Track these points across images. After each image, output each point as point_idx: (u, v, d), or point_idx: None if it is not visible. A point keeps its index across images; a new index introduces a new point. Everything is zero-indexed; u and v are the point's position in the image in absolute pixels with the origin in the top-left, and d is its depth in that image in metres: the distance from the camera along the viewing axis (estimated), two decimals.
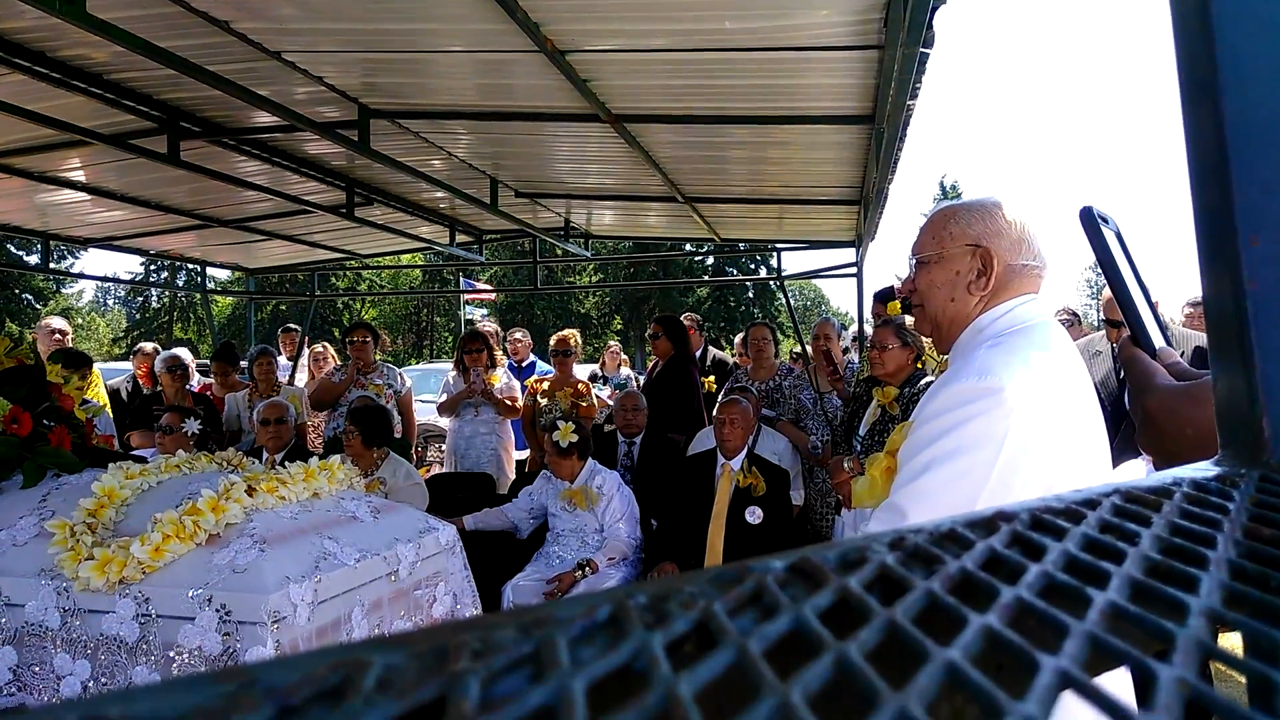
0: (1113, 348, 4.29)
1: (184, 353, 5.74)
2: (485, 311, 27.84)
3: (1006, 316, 1.29)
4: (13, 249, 26.36)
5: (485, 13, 2.88)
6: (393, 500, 3.74)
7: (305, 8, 2.97)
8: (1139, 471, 3.32)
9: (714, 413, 4.23)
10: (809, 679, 0.21)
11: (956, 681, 0.21)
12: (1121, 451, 3.64)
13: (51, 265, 6.78)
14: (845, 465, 3.06)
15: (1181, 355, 0.85)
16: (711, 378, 6.00)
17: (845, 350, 5.37)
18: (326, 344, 7.35)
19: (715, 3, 2.79)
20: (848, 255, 7.02)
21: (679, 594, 0.27)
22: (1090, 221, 0.85)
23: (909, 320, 3.59)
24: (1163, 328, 0.87)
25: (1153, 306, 0.89)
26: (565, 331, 5.72)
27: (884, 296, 4.66)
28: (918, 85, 2.64)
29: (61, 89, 3.52)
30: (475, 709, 0.20)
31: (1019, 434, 1.13)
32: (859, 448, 3.47)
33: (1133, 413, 0.77)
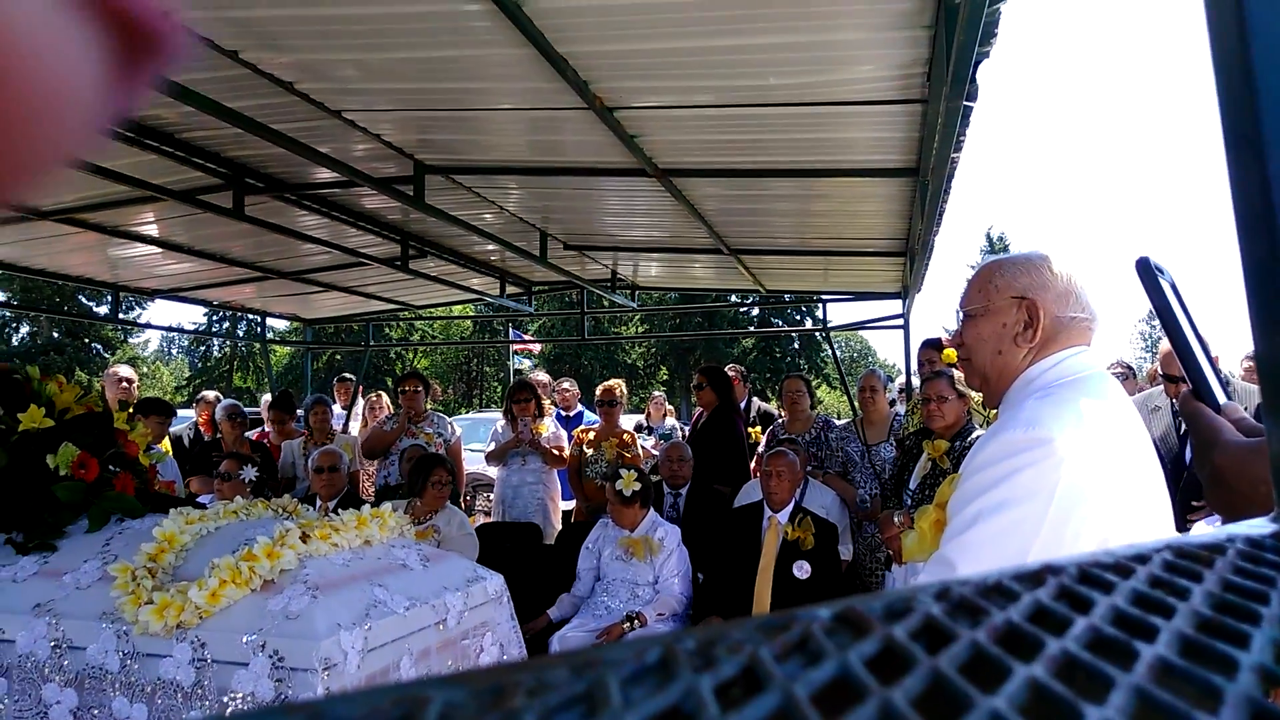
0: (1172, 403, 4.17)
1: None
2: (533, 363, 28.11)
3: (1056, 369, 1.28)
4: (84, 300, 27.50)
5: (536, 71, 2.98)
6: (445, 549, 3.76)
7: (365, 69, 3.10)
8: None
9: (761, 464, 4.20)
10: None
11: None
12: (1182, 509, 3.51)
13: (120, 315, 7.05)
14: (895, 519, 3.01)
15: (1245, 410, 0.83)
16: (758, 428, 5.96)
17: (892, 402, 5.29)
18: (382, 393, 7.48)
19: (759, 60, 2.84)
20: (894, 307, 6.98)
21: (726, 639, 0.28)
22: (1147, 272, 0.84)
23: (958, 374, 3.54)
24: (1223, 383, 0.86)
25: (1212, 361, 0.87)
26: (611, 381, 5.75)
27: (934, 344, 4.61)
28: (961, 138, 2.65)
29: (135, 147, 3.70)
30: None
31: (1070, 485, 1.11)
32: (909, 501, 3.41)
33: (1199, 470, 0.75)
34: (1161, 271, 0.87)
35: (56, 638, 2.16)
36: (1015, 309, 1.31)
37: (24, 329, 32.55)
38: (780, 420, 5.41)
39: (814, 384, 5.49)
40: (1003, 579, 0.35)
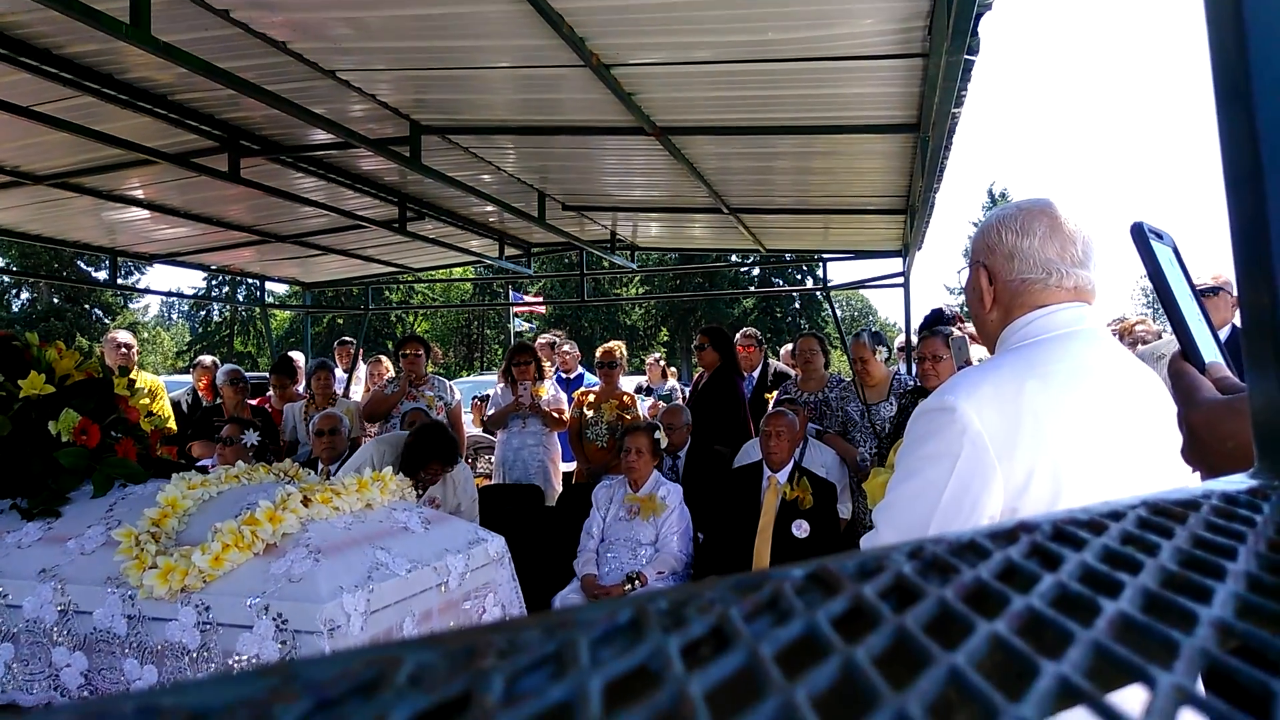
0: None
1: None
2: (534, 325, 28.07)
3: (1022, 330, 1.26)
4: (82, 265, 27.43)
5: (532, 29, 2.93)
6: (448, 501, 3.77)
7: (359, 27, 3.06)
8: None
9: (761, 425, 4.21)
10: (815, 680, 0.22)
11: (958, 685, 0.22)
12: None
13: (119, 281, 7.04)
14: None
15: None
16: (774, 393, 5.92)
17: (887, 360, 5.26)
18: (383, 356, 7.49)
19: (758, 15, 2.80)
20: (894, 265, 6.95)
21: (698, 599, 0.28)
22: (1140, 237, 0.84)
23: (956, 332, 3.54)
24: (1224, 346, 0.86)
25: (1212, 326, 0.87)
26: (610, 344, 5.75)
27: (931, 321, 4.58)
28: (963, 93, 2.61)
29: (128, 110, 3.66)
30: (498, 704, 0.21)
31: (973, 454, 1.10)
32: None
33: (1179, 427, 0.75)
34: (1160, 235, 0.86)
35: (63, 603, 2.19)
36: (976, 273, 1.31)
37: (23, 295, 32.51)
38: (793, 379, 5.39)
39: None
40: (977, 537, 0.35)
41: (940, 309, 4.62)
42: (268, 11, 2.92)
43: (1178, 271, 0.87)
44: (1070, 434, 1.12)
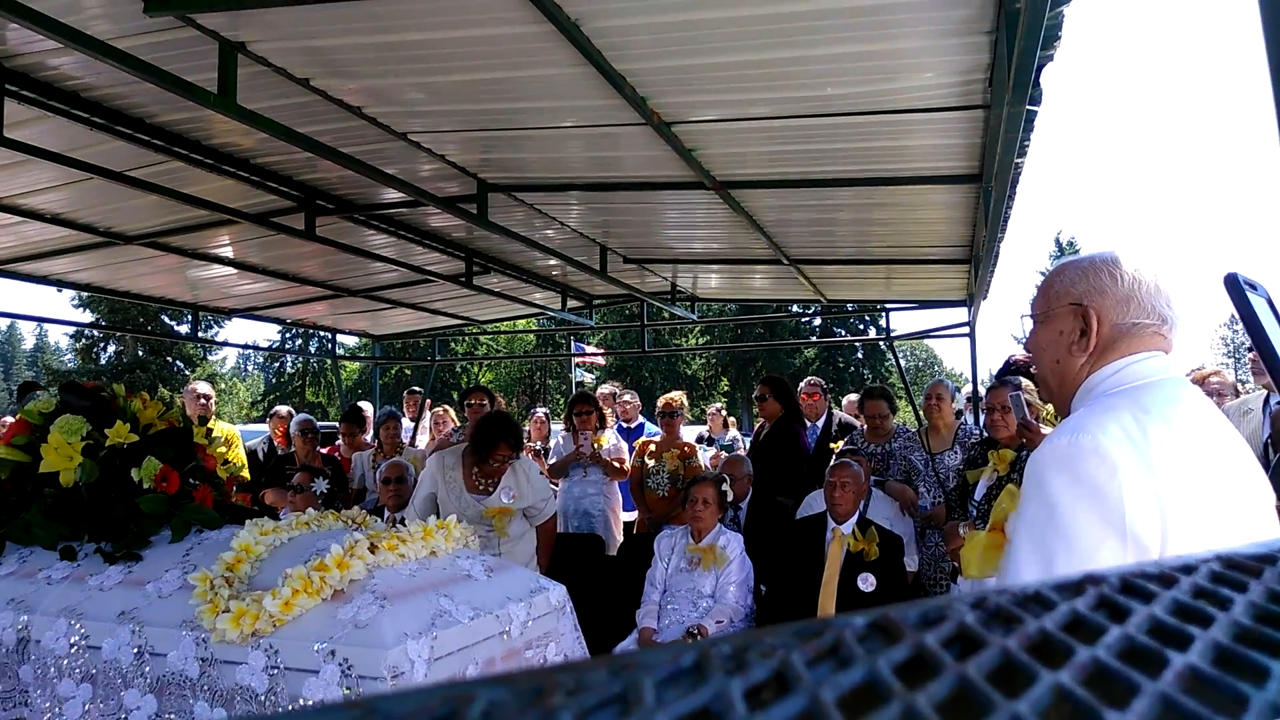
0: (1265, 406, 4.00)
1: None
2: (595, 376, 28.25)
3: (1116, 376, 1.23)
4: (165, 319, 28.72)
5: (595, 90, 3.02)
6: (518, 505, 3.79)
7: (430, 91, 3.19)
8: None
9: (825, 475, 4.15)
10: None
11: None
12: None
13: (199, 334, 7.36)
14: (961, 532, 2.95)
15: None
16: (840, 443, 5.82)
17: (959, 413, 5.16)
18: (447, 406, 7.63)
19: (816, 71, 2.83)
20: (959, 315, 6.84)
21: (760, 644, 0.29)
22: (1235, 288, 0.83)
23: (1027, 383, 3.46)
24: None
25: None
26: (671, 394, 5.76)
27: (1006, 370, 4.50)
28: (1026, 143, 2.60)
29: (212, 173, 3.87)
30: None
31: (1119, 491, 1.07)
32: (974, 513, 3.34)
33: (1272, 476, 0.73)
34: (1255, 287, 0.85)
35: (139, 644, 2.26)
36: (1071, 316, 1.27)
37: (111, 348, 34.11)
38: (859, 429, 5.31)
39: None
40: (1041, 588, 0.35)
41: (1017, 360, 4.53)
42: (344, 79, 3.08)
43: (1273, 321, 0.85)
44: (1188, 477, 1.11)
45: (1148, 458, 1.09)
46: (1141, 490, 1.07)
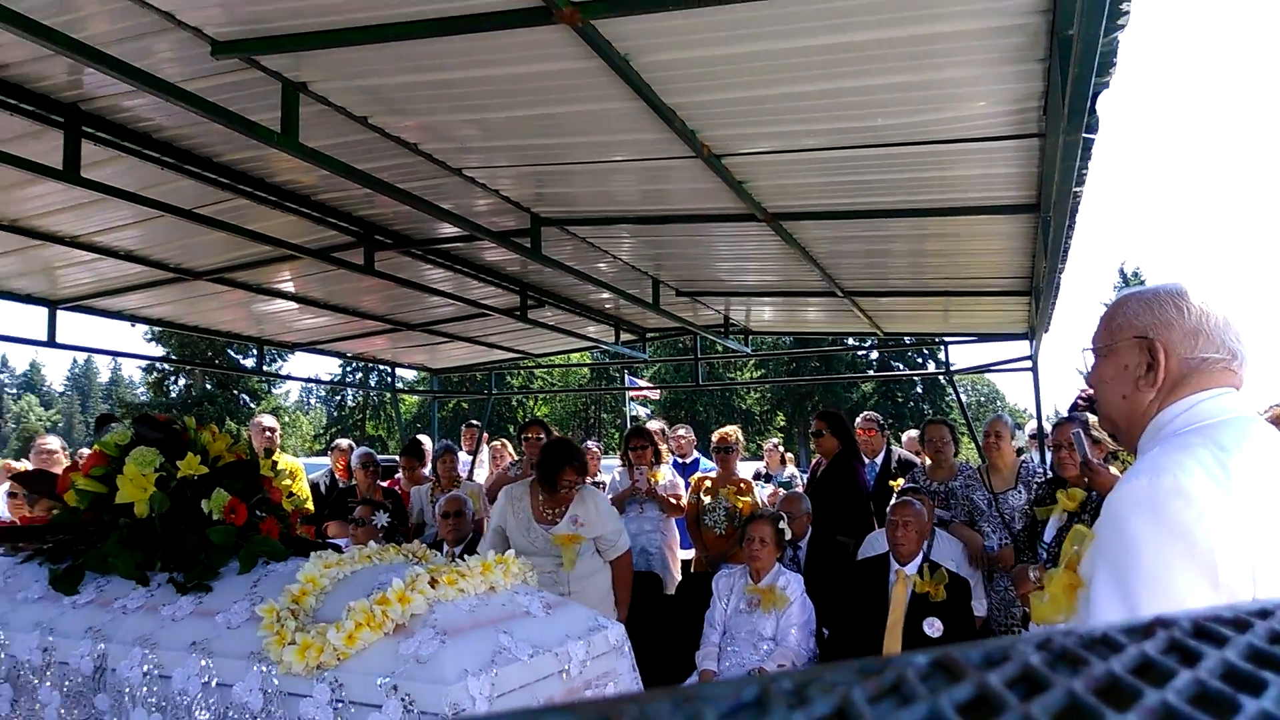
0: None
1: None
2: (649, 410, 28.26)
3: (1188, 414, 1.19)
4: (231, 353, 29.67)
5: (646, 124, 3.07)
6: (587, 531, 3.75)
7: (484, 128, 3.28)
8: None
9: (887, 514, 4.06)
10: None
11: None
12: None
13: (264, 368, 7.60)
14: (1031, 575, 2.87)
15: None
16: (900, 480, 5.70)
17: (1020, 450, 5.02)
18: (505, 440, 7.70)
19: (867, 101, 2.84)
20: (1021, 348, 6.68)
21: (821, 680, 0.29)
22: None
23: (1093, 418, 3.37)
24: None
25: None
26: (726, 428, 5.71)
27: (1076, 408, 4.38)
28: (1084, 171, 2.55)
29: (275, 209, 4.01)
30: None
31: (1208, 533, 1.03)
32: (1044, 555, 3.24)
33: None
34: None
35: (208, 675, 2.31)
36: (1136, 350, 1.23)
37: (181, 382, 35.31)
38: (921, 467, 5.19)
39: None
40: (1109, 630, 0.35)
41: (1087, 394, 4.40)
42: (401, 116, 3.18)
43: None
44: (1275, 516, 1.07)
45: (1233, 497, 1.05)
46: (1229, 531, 1.03)
